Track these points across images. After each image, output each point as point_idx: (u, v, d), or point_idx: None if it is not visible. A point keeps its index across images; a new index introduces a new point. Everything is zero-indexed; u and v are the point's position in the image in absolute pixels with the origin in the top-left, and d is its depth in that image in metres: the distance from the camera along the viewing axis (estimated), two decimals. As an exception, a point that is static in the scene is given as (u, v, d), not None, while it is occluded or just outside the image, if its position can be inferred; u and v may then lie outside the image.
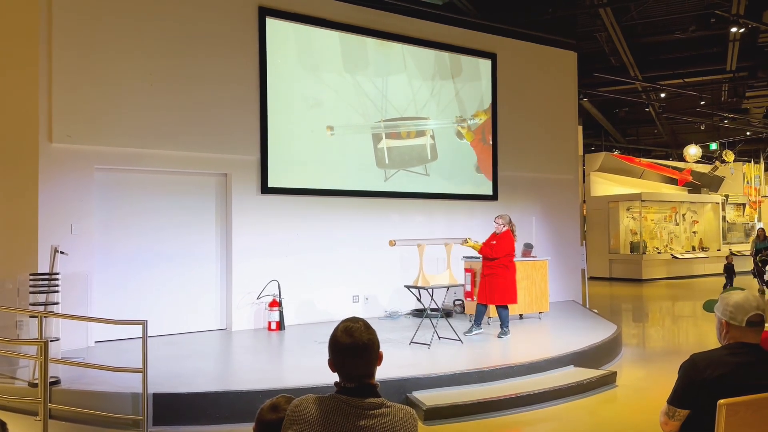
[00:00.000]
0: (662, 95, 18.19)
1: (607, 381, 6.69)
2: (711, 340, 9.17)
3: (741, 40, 14.07)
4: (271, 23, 9.12)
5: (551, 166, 12.36)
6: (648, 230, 20.82)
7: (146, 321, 5.22)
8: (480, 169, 11.30)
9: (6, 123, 7.55)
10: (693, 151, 20.79)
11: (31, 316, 6.09)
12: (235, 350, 7.73)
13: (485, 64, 11.41)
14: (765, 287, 15.37)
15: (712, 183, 23.93)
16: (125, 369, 5.47)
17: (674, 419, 2.71)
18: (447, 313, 9.46)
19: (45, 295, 6.37)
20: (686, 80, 16.94)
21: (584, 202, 20.34)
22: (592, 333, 8.26)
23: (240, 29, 8.88)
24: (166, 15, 8.26)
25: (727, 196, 23.67)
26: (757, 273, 15.85)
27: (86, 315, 7.05)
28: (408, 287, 8.07)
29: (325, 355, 2.22)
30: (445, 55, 10.91)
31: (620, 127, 23.35)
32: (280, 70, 9.20)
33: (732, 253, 19.47)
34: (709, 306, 3.03)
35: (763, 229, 16.41)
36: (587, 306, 11.49)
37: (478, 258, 9.42)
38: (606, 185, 21.17)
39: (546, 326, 9.21)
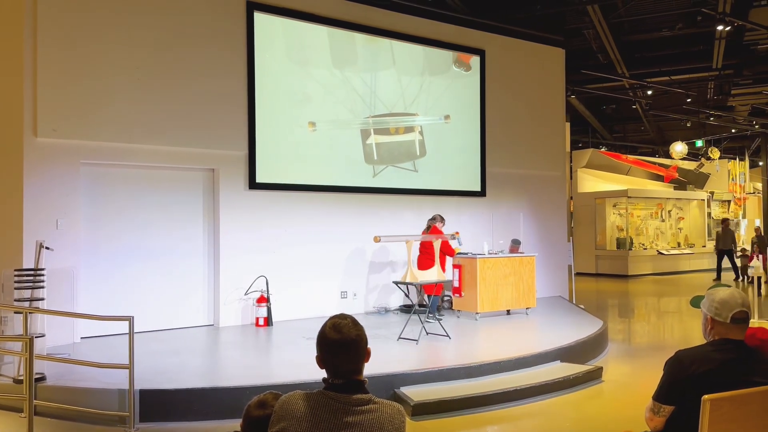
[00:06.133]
0: (649, 92, 18.29)
1: (593, 376, 6.74)
2: (696, 336, 9.26)
3: (727, 38, 14.17)
4: (260, 18, 9.07)
5: (539, 163, 12.41)
6: (634, 226, 20.97)
7: (133, 317, 5.20)
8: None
9: (-10, 117, 7.46)
10: (679, 148, 20.95)
11: (15, 312, 6.03)
12: (222, 346, 7.71)
13: (474, 61, 11.41)
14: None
15: (698, 180, 24.12)
16: (112, 365, 5.44)
17: (659, 415, 2.74)
18: (436, 310, 9.47)
19: (30, 290, 6.31)
20: (673, 78, 17.05)
21: (571, 198, 20.44)
22: (578, 329, 8.32)
23: (228, 24, 8.82)
24: (153, 9, 8.19)
25: (712, 193, 23.88)
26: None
27: (72, 311, 6.99)
28: (396, 283, 8.08)
29: (313, 351, 2.22)
30: (434, 51, 10.90)
31: (607, 124, 23.47)
32: (269, 65, 9.15)
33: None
34: (696, 302, 3.06)
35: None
36: (574, 302, 11.57)
37: (467, 254, 9.47)
38: (593, 182, 21.28)
39: (533, 322, 9.25)
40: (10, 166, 7.34)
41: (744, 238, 24.71)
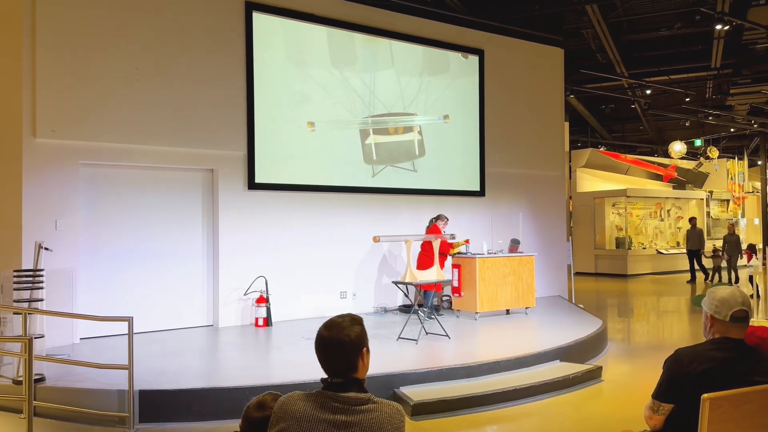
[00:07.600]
0: (648, 92, 18.30)
1: (593, 376, 6.74)
2: (695, 335, 9.27)
3: (726, 38, 14.18)
4: (258, 18, 9.07)
5: (538, 163, 12.41)
6: (633, 226, 20.97)
7: (132, 318, 5.20)
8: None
9: (-11, 118, 7.46)
10: (678, 147, 20.95)
11: (15, 313, 6.03)
12: (221, 347, 7.70)
13: (473, 60, 11.42)
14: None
15: (697, 179, 24.13)
16: (111, 366, 5.44)
17: (659, 413, 2.74)
18: (435, 309, 9.48)
19: (29, 291, 6.30)
20: (671, 77, 17.07)
21: (570, 198, 20.44)
22: (578, 328, 8.32)
23: (227, 24, 8.82)
24: (152, 9, 8.19)
25: (711, 192, 23.88)
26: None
27: (71, 312, 6.99)
28: (396, 283, 8.08)
29: (311, 352, 2.22)
30: (433, 51, 10.91)
31: (606, 123, 23.48)
32: (268, 65, 9.15)
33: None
34: (698, 301, 3.07)
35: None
36: (573, 301, 11.57)
37: (466, 254, 9.47)
38: (592, 181, 21.29)
39: (532, 321, 9.26)
40: (9, 167, 7.33)
41: (744, 237, 24.71)
